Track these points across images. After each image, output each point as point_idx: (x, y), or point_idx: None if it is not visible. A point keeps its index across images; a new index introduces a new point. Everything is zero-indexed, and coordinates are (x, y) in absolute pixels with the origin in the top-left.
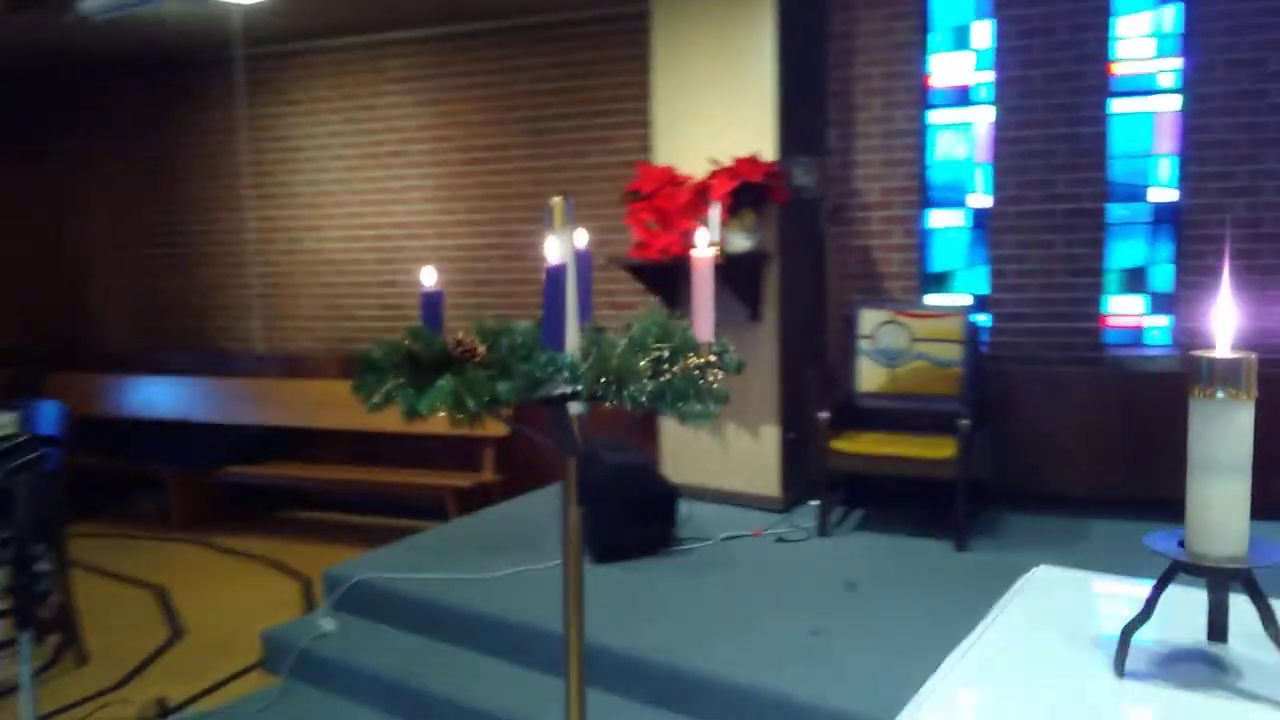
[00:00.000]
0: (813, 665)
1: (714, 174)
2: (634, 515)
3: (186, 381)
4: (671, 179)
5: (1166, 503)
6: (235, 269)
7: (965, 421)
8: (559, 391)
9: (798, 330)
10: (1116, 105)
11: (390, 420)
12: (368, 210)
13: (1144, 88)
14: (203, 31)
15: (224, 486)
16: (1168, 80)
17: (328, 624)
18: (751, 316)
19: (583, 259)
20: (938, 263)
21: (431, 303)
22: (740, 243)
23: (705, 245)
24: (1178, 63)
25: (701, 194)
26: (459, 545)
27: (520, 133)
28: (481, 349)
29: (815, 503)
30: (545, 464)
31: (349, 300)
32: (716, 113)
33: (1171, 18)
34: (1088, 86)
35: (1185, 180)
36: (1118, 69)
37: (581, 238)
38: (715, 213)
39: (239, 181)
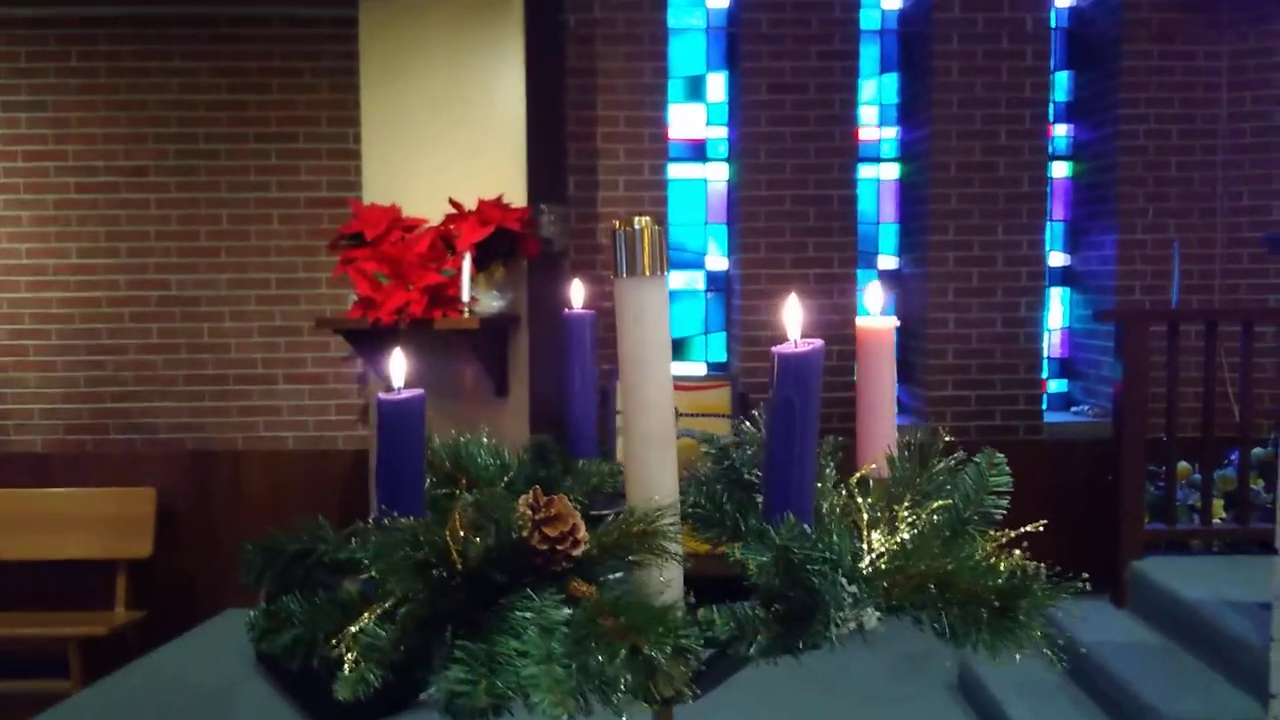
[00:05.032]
0: None
1: (454, 218)
2: None
3: None
4: (399, 221)
5: None
6: None
7: None
8: (851, 626)
9: (547, 408)
10: (864, 170)
11: None
12: None
13: (876, 155)
14: None
15: None
16: (910, 147)
17: None
18: (497, 392)
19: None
20: (673, 328)
21: (404, 422)
22: (491, 303)
23: (792, 313)
24: (907, 131)
25: (444, 241)
26: None
27: (167, 154)
28: (583, 529)
29: None
30: (198, 592)
31: None
32: (449, 144)
33: (896, 87)
34: (836, 148)
35: (921, 249)
36: (862, 134)
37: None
38: (466, 266)
39: None
